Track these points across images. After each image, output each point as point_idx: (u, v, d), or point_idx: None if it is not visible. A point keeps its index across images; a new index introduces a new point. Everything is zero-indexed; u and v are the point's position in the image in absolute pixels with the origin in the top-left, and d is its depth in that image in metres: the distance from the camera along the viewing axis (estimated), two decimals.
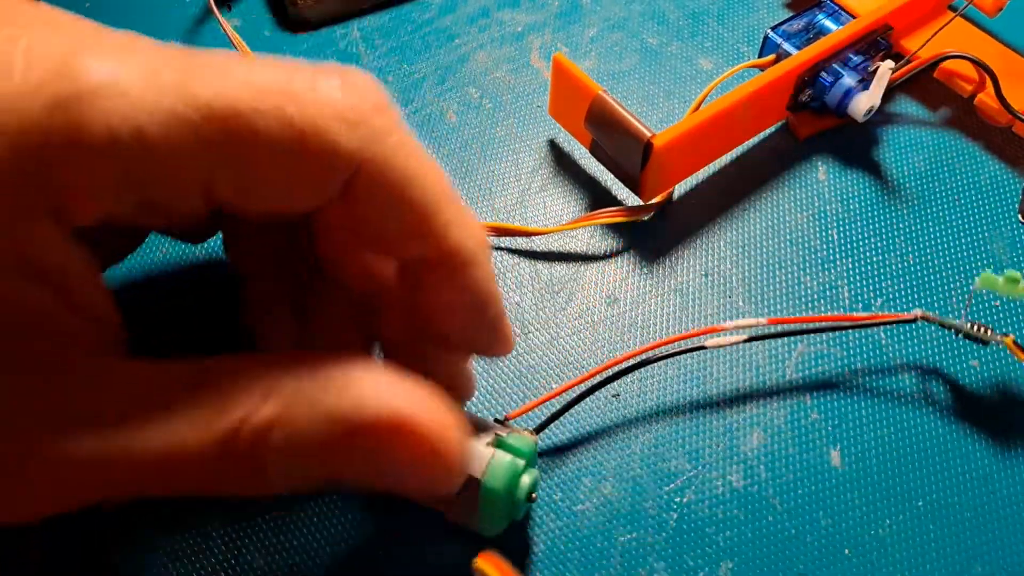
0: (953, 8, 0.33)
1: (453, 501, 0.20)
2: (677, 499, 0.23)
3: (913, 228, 0.28)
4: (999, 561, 0.22)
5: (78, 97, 0.14)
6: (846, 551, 0.22)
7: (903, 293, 0.27)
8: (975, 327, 0.24)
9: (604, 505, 0.23)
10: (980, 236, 0.28)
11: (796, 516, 0.23)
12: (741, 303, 0.27)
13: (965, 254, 0.28)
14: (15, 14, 0.15)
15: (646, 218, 0.28)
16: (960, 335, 0.25)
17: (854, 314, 0.26)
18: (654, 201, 0.28)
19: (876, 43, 0.30)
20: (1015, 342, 0.24)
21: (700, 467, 0.23)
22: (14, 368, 0.15)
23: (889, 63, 0.28)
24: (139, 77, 0.14)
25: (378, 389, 0.16)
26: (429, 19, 0.33)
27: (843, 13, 0.31)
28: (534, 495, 0.21)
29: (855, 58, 0.29)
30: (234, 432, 0.15)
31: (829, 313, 0.26)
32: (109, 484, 0.15)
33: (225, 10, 0.33)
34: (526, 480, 0.20)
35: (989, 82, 0.29)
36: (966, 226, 0.29)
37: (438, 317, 0.19)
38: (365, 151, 0.16)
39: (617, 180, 0.28)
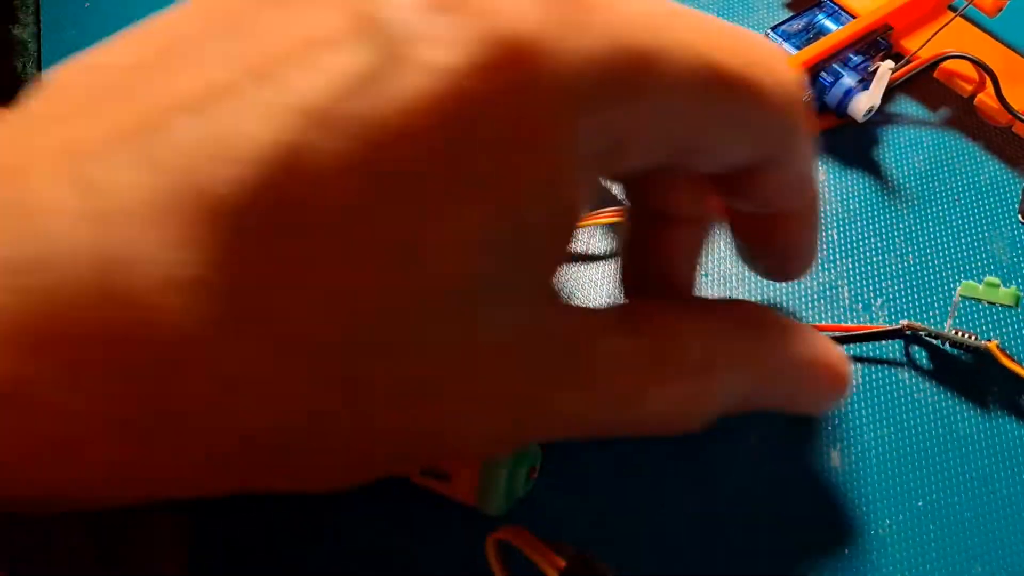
0: (953, 8, 0.33)
1: (457, 475, 0.20)
2: (678, 499, 0.23)
3: (913, 228, 0.28)
4: (999, 561, 0.22)
5: (648, 49, 0.14)
6: (846, 551, 0.22)
7: (903, 293, 0.27)
8: (960, 334, 0.25)
9: (604, 506, 0.23)
10: (980, 236, 0.28)
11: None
12: None
13: (965, 254, 0.28)
14: None
15: None
16: (947, 343, 0.25)
17: (844, 324, 0.26)
18: None
19: (876, 43, 0.30)
20: (999, 347, 0.24)
21: (701, 466, 0.23)
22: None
23: (889, 63, 0.28)
24: (680, 40, 0.15)
25: (823, 340, 0.19)
26: None
27: (843, 13, 0.31)
28: (535, 471, 0.21)
29: (855, 58, 0.29)
30: (695, 388, 0.17)
31: (828, 314, 0.26)
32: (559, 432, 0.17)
33: None
34: (527, 453, 0.21)
35: (989, 82, 0.29)
36: (966, 226, 0.29)
37: (786, 254, 0.20)
38: (797, 116, 0.17)
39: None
